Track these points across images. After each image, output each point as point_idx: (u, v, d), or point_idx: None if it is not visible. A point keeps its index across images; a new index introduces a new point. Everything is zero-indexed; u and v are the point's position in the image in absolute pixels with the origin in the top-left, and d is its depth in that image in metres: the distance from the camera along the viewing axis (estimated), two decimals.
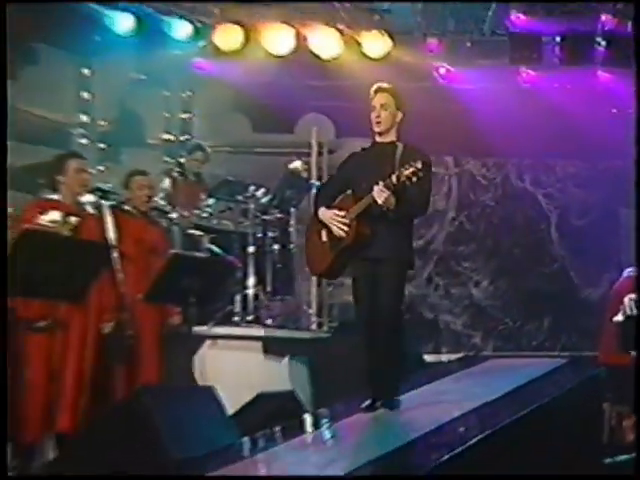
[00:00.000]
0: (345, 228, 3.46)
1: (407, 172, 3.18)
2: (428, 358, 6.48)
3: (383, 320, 3.56)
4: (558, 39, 7.01)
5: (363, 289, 3.60)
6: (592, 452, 4.05)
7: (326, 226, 3.58)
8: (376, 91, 3.60)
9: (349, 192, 3.56)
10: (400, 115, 3.59)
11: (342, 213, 3.51)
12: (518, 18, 7.15)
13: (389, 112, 3.50)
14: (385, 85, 3.72)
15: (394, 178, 3.22)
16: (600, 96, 7.06)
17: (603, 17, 6.84)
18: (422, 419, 3.60)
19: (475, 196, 8.38)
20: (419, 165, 3.16)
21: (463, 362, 6.16)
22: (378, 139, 3.60)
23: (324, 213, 3.59)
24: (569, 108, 7.06)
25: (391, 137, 3.57)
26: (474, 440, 3.11)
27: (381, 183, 3.25)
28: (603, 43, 6.86)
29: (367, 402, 3.51)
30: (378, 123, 3.51)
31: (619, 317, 5.60)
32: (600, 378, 4.71)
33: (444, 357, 7.08)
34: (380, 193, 3.25)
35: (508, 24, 7.26)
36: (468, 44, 7.47)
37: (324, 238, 3.62)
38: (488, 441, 3.14)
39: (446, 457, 2.87)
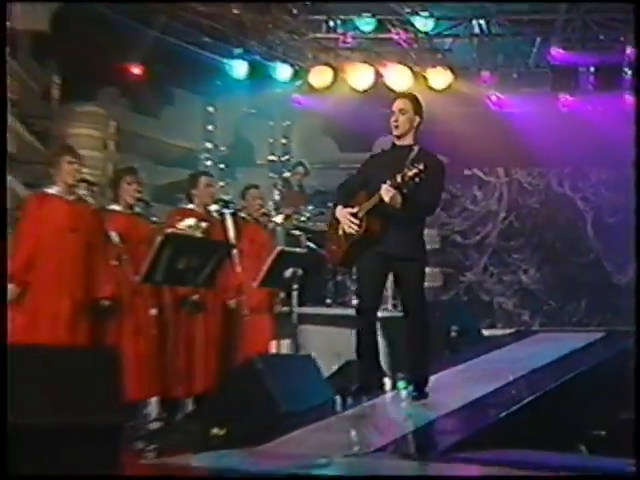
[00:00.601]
0: (355, 224, 3.46)
1: (411, 173, 3.19)
2: (486, 332, 6.93)
3: (410, 314, 3.61)
4: (592, 69, 7.48)
5: (369, 281, 3.64)
6: (623, 409, 4.18)
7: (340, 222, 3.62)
8: (395, 97, 3.70)
9: (363, 192, 3.55)
10: (418, 120, 3.58)
11: (354, 210, 3.50)
12: (558, 52, 7.52)
13: (407, 117, 3.52)
14: (404, 91, 3.97)
15: (399, 177, 3.23)
16: (626, 116, 7.17)
17: (628, 50, 7.07)
18: (482, 383, 4.11)
19: (522, 200, 8.94)
20: (421, 167, 3.17)
21: (515, 336, 6.64)
22: (397, 142, 3.61)
23: (339, 211, 3.60)
24: (600, 126, 7.40)
25: (409, 140, 3.56)
26: (525, 401, 3.58)
27: (388, 182, 3.26)
28: (629, 72, 7.18)
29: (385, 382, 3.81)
30: (396, 127, 3.52)
31: None
32: (630, 349, 4.91)
33: (499, 332, 7.43)
34: (386, 191, 3.26)
35: (549, 58, 7.65)
36: (515, 75, 8.03)
37: (340, 232, 3.62)
38: (536, 402, 3.62)
39: (503, 414, 3.37)
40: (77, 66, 7.45)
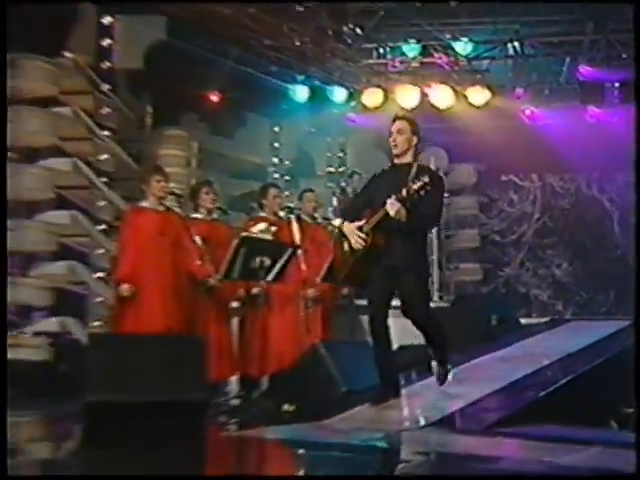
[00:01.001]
0: (361, 240, 3.40)
1: (416, 186, 3.18)
2: (523, 321, 7.07)
3: (416, 323, 3.55)
4: (617, 85, 7.78)
5: (377, 292, 3.54)
6: None
7: (347, 238, 3.54)
8: (394, 119, 3.62)
9: (367, 209, 3.51)
10: (415, 140, 3.56)
11: (360, 224, 3.45)
12: (585, 70, 7.83)
13: (405, 137, 3.51)
14: (402, 114, 3.75)
15: (404, 192, 3.21)
16: None
17: None
18: (520, 366, 4.28)
19: (555, 202, 9.19)
20: (426, 179, 3.18)
21: (549, 324, 6.71)
22: (396, 161, 3.59)
23: (346, 226, 3.55)
24: (625, 135, 7.39)
25: (407, 159, 3.54)
26: (559, 383, 3.70)
27: (393, 196, 3.23)
28: None
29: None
30: (395, 146, 3.51)
31: None
32: None
33: (535, 320, 7.58)
34: (392, 206, 3.22)
35: (578, 75, 7.97)
36: (547, 91, 8.31)
37: (345, 248, 3.57)
38: (570, 383, 3.76)
39: (540, 394, 3.49)
40: (165, 96, 7.92)
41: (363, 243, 3.35)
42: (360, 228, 3.42)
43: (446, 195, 8.55)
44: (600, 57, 7.81)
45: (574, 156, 8.11)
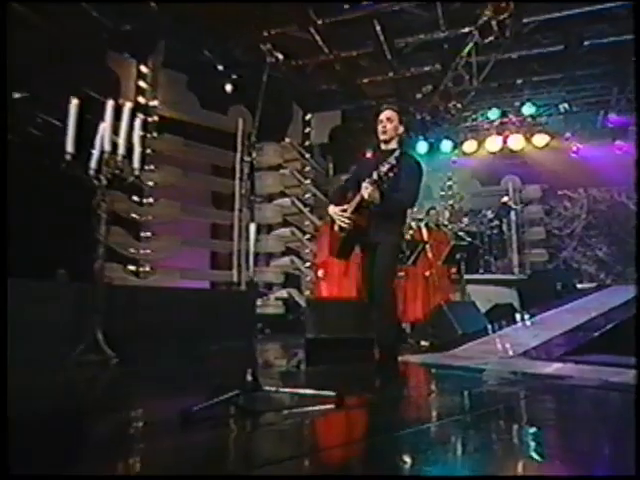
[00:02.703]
0: (345, 221, 3.11)
1: (384, 169, 2.86)
2: (578, 286, 7.62)
3: (375, 286, 3.12)
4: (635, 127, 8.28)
5: (366, 266, 3.23)
6: None
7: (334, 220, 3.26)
8: (383, 109, 3.32)
9: (351, 192, 3.20)
10: (402, 129, 3.27)
11: (344, 207, 3.17)
12: (613, 118, 9.09)
13: (393, 125, 3.22)
14: (390, 105, 3.34)
15: (375, 175, 2.89)
16: None
17: None
18: (578, 316, 4.65)
19: (596, 206, 9.85)
20: (393, 161, 2.86)
21: (596, 288, 7.07)
22: (383, 146, 3.28)
23: (332, 210, 3.25)
24: None
25: (393, 145, 3.25)
26: (604, 329, 4.00)
27: (367, 179, 2.93)
28: None
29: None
30: (384, 132, 3.21)
31: None
32: None
33: (586, 285, 7.94)
34: (364, 189, 2.92)
35: (608, 122, 9.20)
36: (587, 134, 9.51)
37: (335, 228, 3.28)
38: (613, 328, 4.07)
39: (595, 335, 3.84)
40: (341, 157, 9.78)
41: (347, 222, 3.06)
42: (345, 211, 3.13)
43: (520, 206, 9.70)
44: (623, 109, 8.87)
45: (608, 175, 8.92)
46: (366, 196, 2.94)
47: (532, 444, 1.55)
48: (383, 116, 3.26)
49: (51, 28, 6.80)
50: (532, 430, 1.74)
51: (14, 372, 2.97)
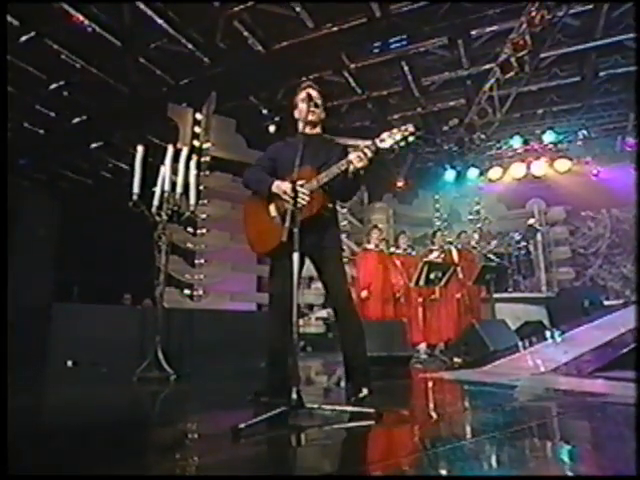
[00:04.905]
0: (305, 198, 2.29)
1: (401, 133, 2.37)
2: (605, 303, 7.36)
3: (341, 303, 2.60)
4: None
5: (284, 277, 2.32)
6: None
7: (274, 201, 2.50)
8: (308, 86, 2.67)
9: (307, 167, 2.38)
10: (324, 115, 2.67)
11: (302, 183, 2.31)
12: (630, 143, 8.81)
13: (321, 109, 2.65)
14: (311, 83, 2.69)
15: (366, 147, 2.36)
16: None
17: None
18: (607, 332, 4.34)
19: (619, 225, 9.57)
20: (412, 128, 2.37)
21: (623, 305, 6.65)
22: (308, 130, 2.60)
23: (280, 185, 2.44)
24: None
25: (318, 130, 2.68)
26: (632, 345, 3.70)
27: (363, 145, 2.34)
28: None
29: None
30: (312, 112, 2.56)
31: None
32: None
33: (613, 302, 7.65)
34: (356, 156, 2.32)
35: (625, 146, 8.91)
36: (607, 157, 9.17)
37: (273, 213, 2.51)
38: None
39: (624, 351, 3.60)
40: (374, 186, 9.82)
41: (307, 199, 2.28)
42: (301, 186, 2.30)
43: (546, 227, 9.48)
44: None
45: (627, 196, 8.43)
46: (357, 163, 2.33)
47: (567, 461, 1.46)
48: (312, 93, 2.62)
49: (126, 89, 7.15)
50: (567, 447, 1.65)
51: (87, 387, 3.21)
